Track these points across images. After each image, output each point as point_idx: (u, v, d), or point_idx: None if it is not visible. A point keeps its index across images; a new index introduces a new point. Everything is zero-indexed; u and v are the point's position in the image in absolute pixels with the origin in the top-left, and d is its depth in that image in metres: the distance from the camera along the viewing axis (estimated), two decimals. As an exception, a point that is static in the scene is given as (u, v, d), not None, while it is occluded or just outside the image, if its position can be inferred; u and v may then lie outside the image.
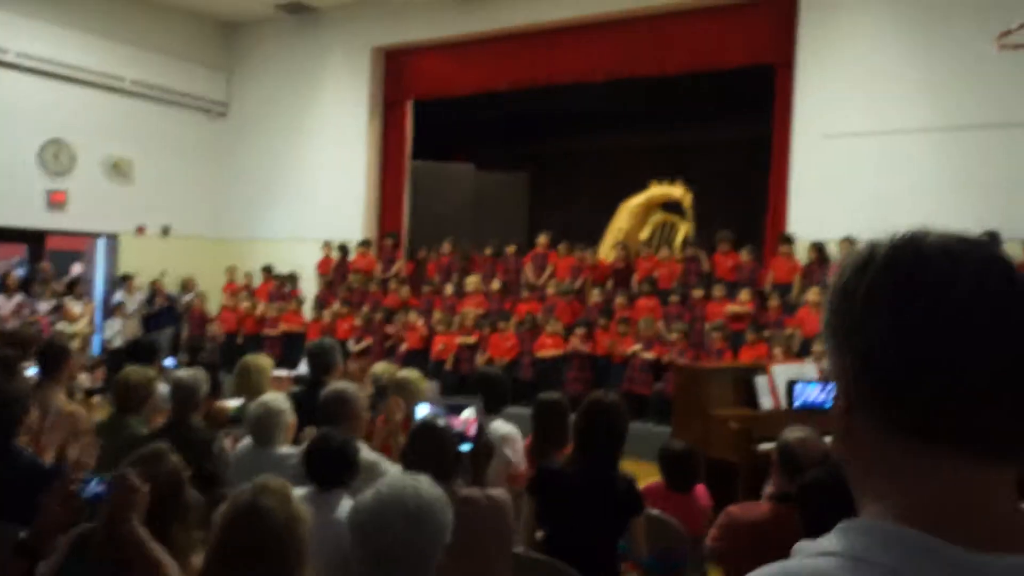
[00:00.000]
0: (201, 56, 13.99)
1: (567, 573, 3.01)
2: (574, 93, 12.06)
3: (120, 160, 13.00)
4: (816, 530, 2.37)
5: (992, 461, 0.74)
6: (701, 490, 4.14)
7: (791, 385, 1.20)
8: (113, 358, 11.34)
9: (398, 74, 13.02)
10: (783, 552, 2.54)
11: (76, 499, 2.16)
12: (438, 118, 13.34)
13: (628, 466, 3.97)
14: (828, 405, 0.80)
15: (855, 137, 9.27)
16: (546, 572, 3.06)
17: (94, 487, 2.15)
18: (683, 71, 10.76)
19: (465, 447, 3.21)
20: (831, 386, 0.84)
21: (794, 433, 2.97)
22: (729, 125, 12.55)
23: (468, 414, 3.42)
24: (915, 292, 0.75)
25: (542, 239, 11.12)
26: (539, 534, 3.37)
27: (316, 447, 3.05)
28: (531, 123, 13.81)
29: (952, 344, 0.73)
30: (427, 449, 2.84)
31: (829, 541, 0.76)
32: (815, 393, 1.19)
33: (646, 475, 7.63)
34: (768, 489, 3.06)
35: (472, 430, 3.36)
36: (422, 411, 3.50)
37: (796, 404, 1.22)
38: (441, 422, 2.93)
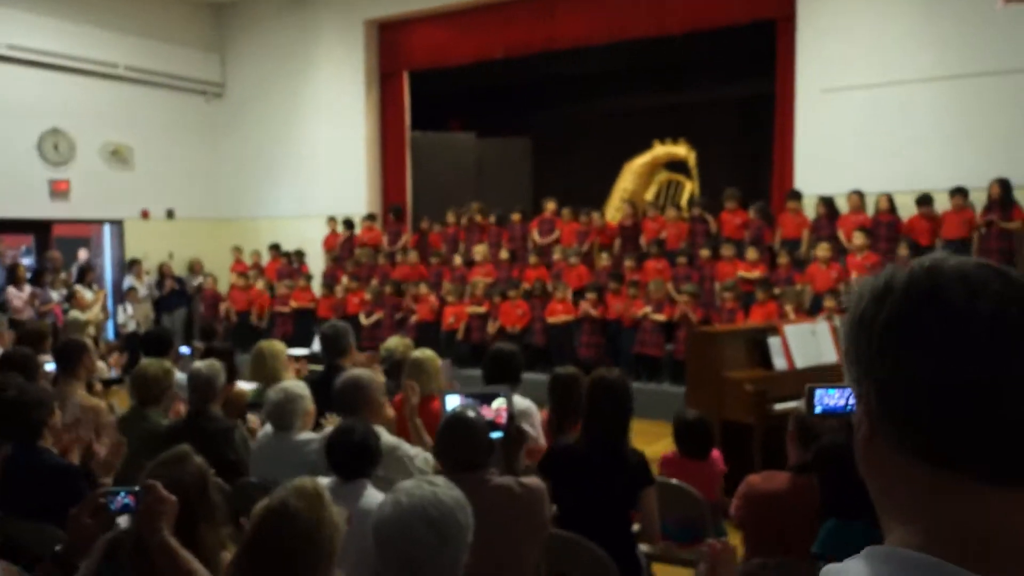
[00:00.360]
0: (194, 38, 13.89)
1: (585, 546, 3.06)
2: (572, 57, 11.93)
3: (120, 146, 12.98)
4: (833, 494, 2.44)
5: (1014, 488, 0.75)
6: (715, 455, 4.19)
7: (811, 391, 1.21)
8: (128, 343, 11.44)
9: (392, 46, 12.89)
10: (801, 521, 2.60)
11: (106, 512, 2.18)
12: (435, 87, 13.23)
13: (642, 427, 4.01)
14: (850, 409, 0.83)
15: (859, 90, 9.17)
16: (564, 545, 3.11)
17: (123, 499, 2.18)
18: (684, 30, 10.58)
19: (496, 435, 3.20)
20: (850, 392, 0.84)
21: None
22: (732, 83, 12.40)
23: (499, 403, 3.42)
24: (934, 323, 0.76)
25: (549, 205, 11.06)
26: (553, 508, 3.41)
27: (337, 439, 3.07)
28: (530, 89, 13.66)
29: (972, 374, 0.74)
30: (459, 441, 2.85)
31: (852, 567, 0.77)
32: (836, 398, 1.20)
33: (661, 436, 7.71)
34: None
35: (503, 418, 3.37)
36: (452, 402, 3.51)
37: (817, 410, 1.24)
38: (472, 413, 2.94)
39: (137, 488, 2.17)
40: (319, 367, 8.37)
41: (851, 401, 0.84)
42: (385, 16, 12.73)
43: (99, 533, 2.18)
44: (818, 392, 1.32)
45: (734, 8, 10.08)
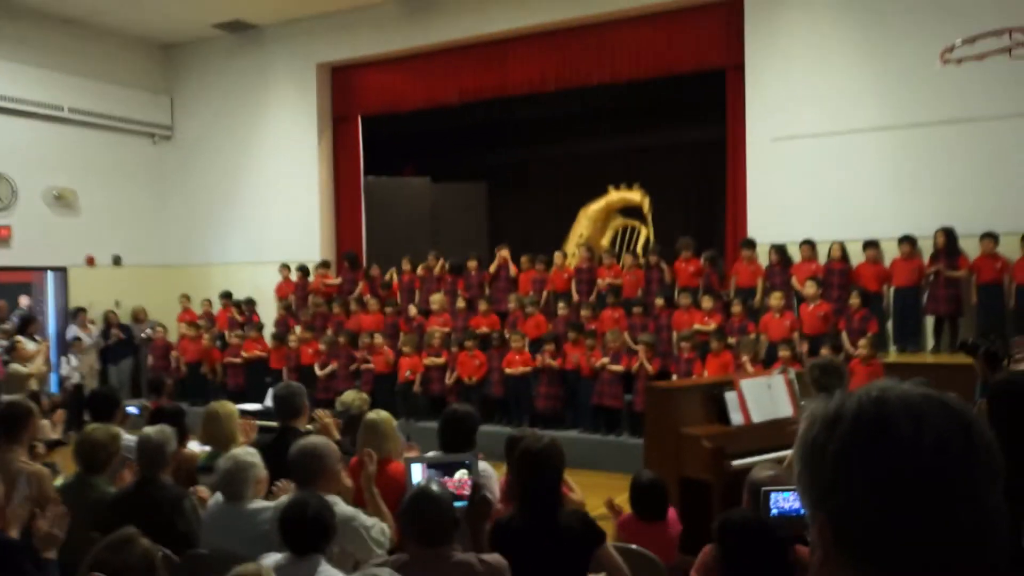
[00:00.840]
0: (142, 80, 13.70)
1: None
2: (527, 101, 12.03)
3: (64, 191, 12.68)
4: (732, 566, 2.44)
5: None
6: (672, 515, 4.18)
7: (767, 494, 1.20)
8: (72, 397, 11.07)
9: (346, 90, 12.88)
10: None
11: None
12: (389, 131, 13.22)
13: (602, 480, 3.97)
14: (803, 513, 0.88)
15: (807, 138, 9.37)
16: None
17: None
18: (633, 78, 10.76)
19: (460, 504, 3.23)
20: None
21: (763, 471, 2.98)
22: (685, 128, 12.61)
23: (461, 474, 3.39)
24: (883, 455, 0.81)
25: (502, 252, 11.04)
26: None
27: (291, 514, 3.01)
28: (485, 133, 13.74)
29: (921, 503, 0.80)
30: (423, 516, 2.85)
31: None
32: (790, 501, 1.20)
33: (620, 489, 7.65)
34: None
35: (466, 489, 3.36)
36: (417, 474, 3.46)
37: (772, 512, 1.22)
38: (436, 488, 2.91)
39: None
40: (273, 423, 8.19)
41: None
42: (338, 60, 12.73)
43: None
44: (773, 495, 1.34)
45: (684, 57, 10.27)
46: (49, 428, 7.29)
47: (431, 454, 4.23)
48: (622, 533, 4.08)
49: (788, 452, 4.89)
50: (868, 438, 0.82)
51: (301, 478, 3.68)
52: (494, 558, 2.93)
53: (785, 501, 1.14)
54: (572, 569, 3.25)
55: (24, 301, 13.45)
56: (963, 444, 0.81)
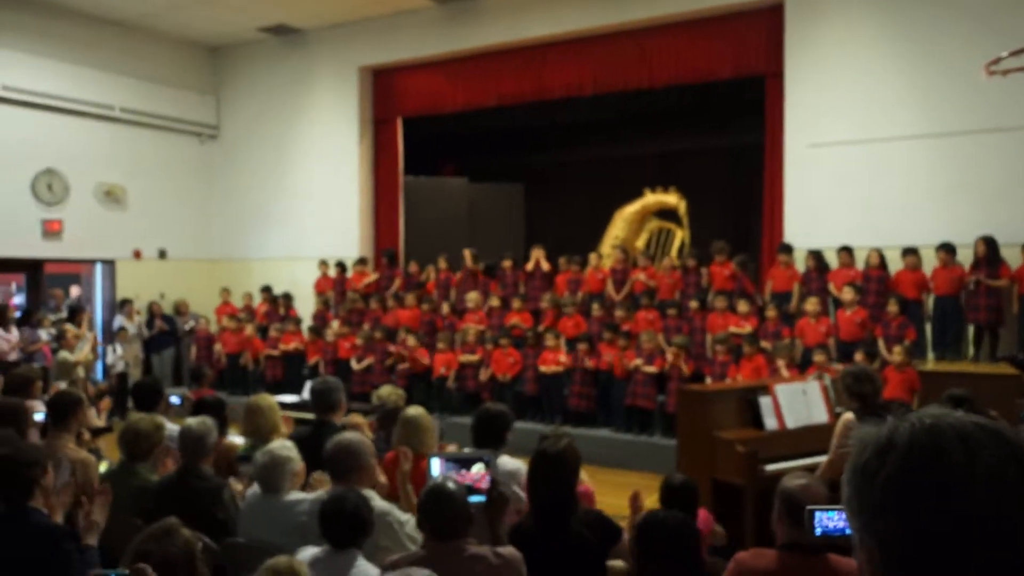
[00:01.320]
0: (189, 81, 14.02)
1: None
2: (565, 104, 12.07)
3: (113, 187, 13.02)
4: (646, 566, 2.55)
5: None
6: (702, 515, 4.19)
7: (811, 513, 1.22)
8: (117, 386, 11.38)
9: (386, 92, 13.03)
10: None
11: None
12: (428, 132, 13.35)
13: (634, 480, 4.00)
14: (848, 532, 0.89)
15: (846, 145, 9.30)
16: None
17: None
18: (671, 84, 10.76)
19: (477, 499, 3.28)
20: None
21: (795, 480, 2.98)
22: (723, 133, 12.56)
23: (478, 468, 3.45)
24: (934, 484, 0.80)
25: (536, 252, 11.08)
26: None
27: (330, 508, 3.07)
28: (522, 135, 13.81)
29: (971, 534, 0.78)
30: (439, 511, 2.91)
31: None
32: (835, 520, 1.21)
33: (653, 489, 7.67)
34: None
35: (484, 483, 3.41)
36: (436, 467, 3.53)
37: (817, 532, 1.23)
38: (451, 485, 2.97)
39: (127, 571, 2.16)
40: (310, 415, 8.34)
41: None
42: (379, 63, 12.88)
43: None
44: (818, 515, 1.35)
45: (722, 64, 10.24)
46: (96, 418, 7.50)
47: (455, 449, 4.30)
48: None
49: (822, 458, 4.89)
50: (920, 467, 0.81)
51: (337, 473, 3.76)
52: (508, 551, 2.97)
53: (830, 520, 1.17)
54: (592, 570, 3.29)
55: (75, 291, 13.86)
56: (1017, 476, 0.80)
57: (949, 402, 4.46)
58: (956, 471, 0.80)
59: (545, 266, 10.95)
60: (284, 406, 6.51)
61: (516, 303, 10.54)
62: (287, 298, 12.71)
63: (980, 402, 4.53)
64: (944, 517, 0.79)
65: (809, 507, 1.38)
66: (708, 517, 4.19)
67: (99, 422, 7.38)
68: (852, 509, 0.87)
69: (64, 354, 10.50)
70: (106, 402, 8.30)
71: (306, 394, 9.38)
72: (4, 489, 3.39)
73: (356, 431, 4.56)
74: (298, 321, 12.18)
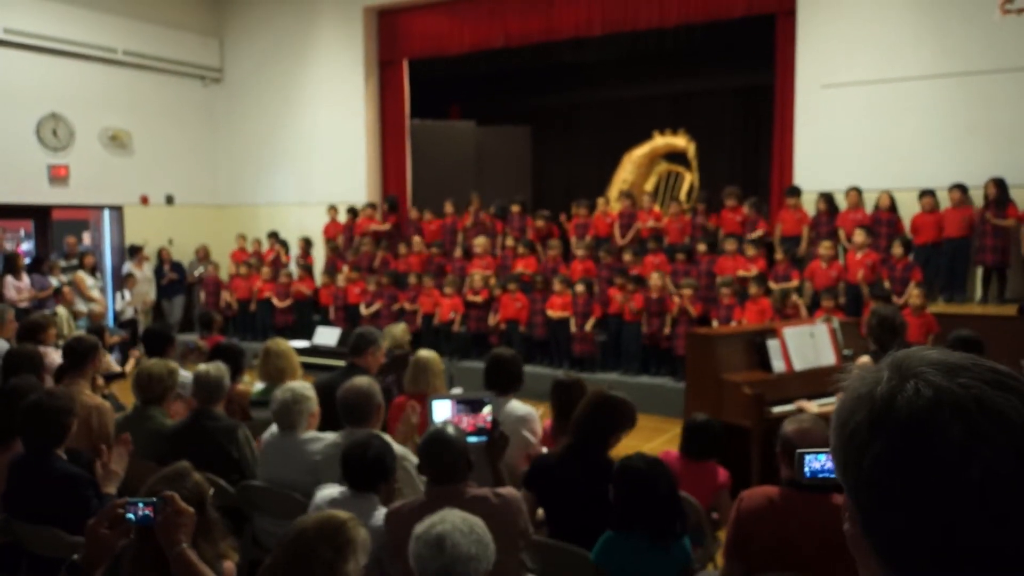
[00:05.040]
0: (193, 23, 13.82)
1: (570, 551, 3.13)
2: (572, 45, 11.90)
3: (118, 131, 12.95)
4: (620, 508, 2.66)
5: None
6: (718, 468, 4.17)
7: (801, 456, 1.23)
8: (128, 331, 11.47)
9: (392, 34, 12.84)
10: (788, 533, 2.64)
11: (124, 523, 2.20)
12: (435, 74, 13.19)
13: (642, 422, 4.04)
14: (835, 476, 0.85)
15: (858, 85, 9.16)
16: (550, 554, 3.21)
17: (142, 509, 2.19)
18: (681, 22, 10.56)
19: (477, 439, 3.45)
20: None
21: (792, 425, 3.00)
22: (732, 73, 12.37)
23: (487, 410, 3.55)
24: (924, 473, 0.76)
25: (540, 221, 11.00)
26: (540, 512, 3.53)
27: (355, 453, 3.13)
28: (530, 77, 13.62)
29: (963, 525, 0.75)
30: (438, 457, 2.96)
31: None
32: (824, 463, 1.22)
33: (658, 431, 7.77)
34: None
35: (487, 422, 3.55)
36: (440, 408, 3.62)
37: (806, 474, 1.25)
38: (451, 430, 3.02)
39: (155, 499, 2.20)
40: (319, 360, 8.42)
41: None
42: (384, 4, 12.67)
43: (117, 544, 2.20)
44: (807, 457, 1.35)
45: (734, 2, 10.03)
46: (112, 362, 7.57)
47: (457, 391, 4.38)
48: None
49: (829, 400, 4.92)
50: (912, 451, 0.76)
51: (352, 418, 3.80)
52: (508, 490, 3.03)
53: (817, 462, 1.18)
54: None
55: (88, 239, 13.89)
56: (1015, 469, 0.74)
57: (957, 343, 4.47)
58: (949, 462, 0.75)
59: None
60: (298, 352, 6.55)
61: (521, 249, 10.53)
62: (307, 243, 12.65)
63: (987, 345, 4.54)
64: (933, 499, 0.75)
65: (799, 450, 1.38)
66: (724, 472, 4.16)
67: (116, 368, 7.46)
68: (837, 462, 0.83)
69: (61, 310, 10.38)
70: (137, 351, 8.31)
71: (316, 339, 9.47)
72: (36, 436, 3.44)
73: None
74: (309, 268, 12.20)
